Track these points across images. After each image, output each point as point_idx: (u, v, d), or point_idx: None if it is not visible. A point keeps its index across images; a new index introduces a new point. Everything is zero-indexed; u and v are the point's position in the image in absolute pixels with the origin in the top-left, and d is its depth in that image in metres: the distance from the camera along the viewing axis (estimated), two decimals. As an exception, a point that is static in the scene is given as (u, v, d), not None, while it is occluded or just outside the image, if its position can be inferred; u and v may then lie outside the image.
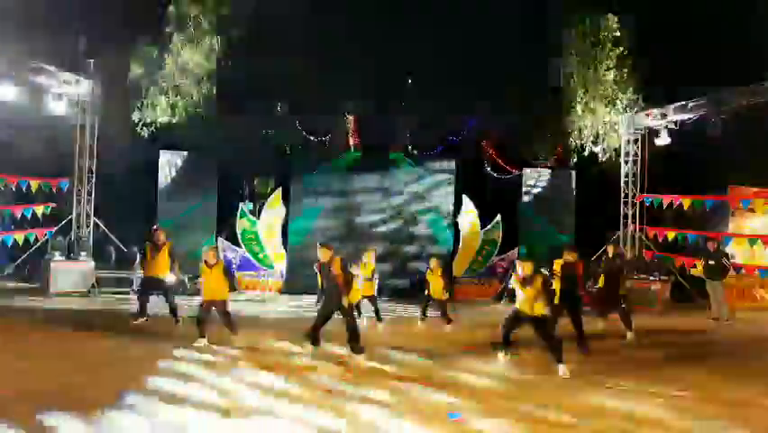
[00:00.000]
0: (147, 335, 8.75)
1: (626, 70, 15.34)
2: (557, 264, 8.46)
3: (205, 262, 8.22)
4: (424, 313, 10.73)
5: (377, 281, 10.87)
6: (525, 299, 7.26)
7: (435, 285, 10.43)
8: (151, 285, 9.43)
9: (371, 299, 10.61)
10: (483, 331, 9.71)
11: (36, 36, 13.30)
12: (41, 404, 5.29)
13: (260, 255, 16.09)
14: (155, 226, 9.41)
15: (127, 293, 13.65)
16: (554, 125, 16.33)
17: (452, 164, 16.43)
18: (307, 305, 11.94)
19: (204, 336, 8.12)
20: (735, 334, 10.94)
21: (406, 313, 12.44)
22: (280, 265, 16.01)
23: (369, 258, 10.57)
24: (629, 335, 9.61)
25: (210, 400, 5.72)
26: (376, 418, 5.30)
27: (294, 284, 15.35)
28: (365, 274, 10.29)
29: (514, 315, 7.51)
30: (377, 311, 10.67)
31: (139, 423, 5.06)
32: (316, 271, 7.97)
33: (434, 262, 10.57)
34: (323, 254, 7.80)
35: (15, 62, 12.25)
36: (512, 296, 7.96)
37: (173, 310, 9.47)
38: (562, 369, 7.04)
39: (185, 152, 15.87)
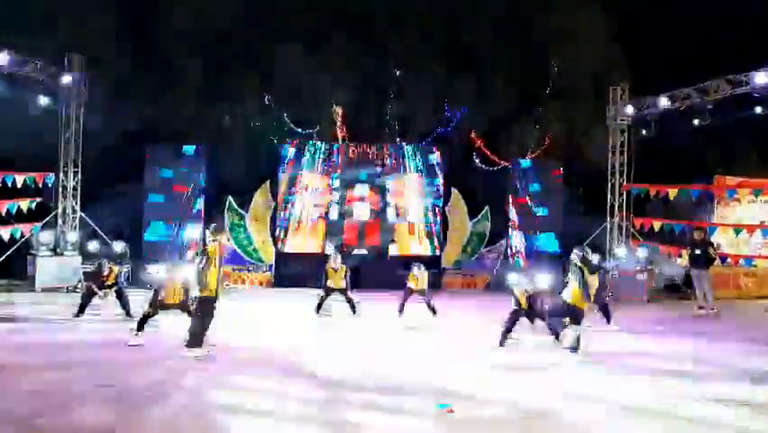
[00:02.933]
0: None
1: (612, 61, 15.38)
2: None
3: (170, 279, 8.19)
4: (401, 308, 10.51)
5: (348, 275, 10.58)
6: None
7: (420, 281, 10.41)
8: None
9: (342, 291, 10.46)
10: (472, 320, 9.73)
11: (20, 27, 13.11)
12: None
13: (249, 248, 16.05)
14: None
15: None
16: (543, 117, 16.38)
17: (438, 156, 16.45)
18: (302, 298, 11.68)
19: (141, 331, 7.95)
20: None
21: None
22: (269, 258, 15.98)
23: (335, 262, 10.47)
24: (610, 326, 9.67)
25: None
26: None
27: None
28: (337, 283, 10.33)
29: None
30: (351, 304, 10.47)
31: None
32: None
33: (416, 269, 10.47)
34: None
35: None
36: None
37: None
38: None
39: (172, 145, 15.69)
